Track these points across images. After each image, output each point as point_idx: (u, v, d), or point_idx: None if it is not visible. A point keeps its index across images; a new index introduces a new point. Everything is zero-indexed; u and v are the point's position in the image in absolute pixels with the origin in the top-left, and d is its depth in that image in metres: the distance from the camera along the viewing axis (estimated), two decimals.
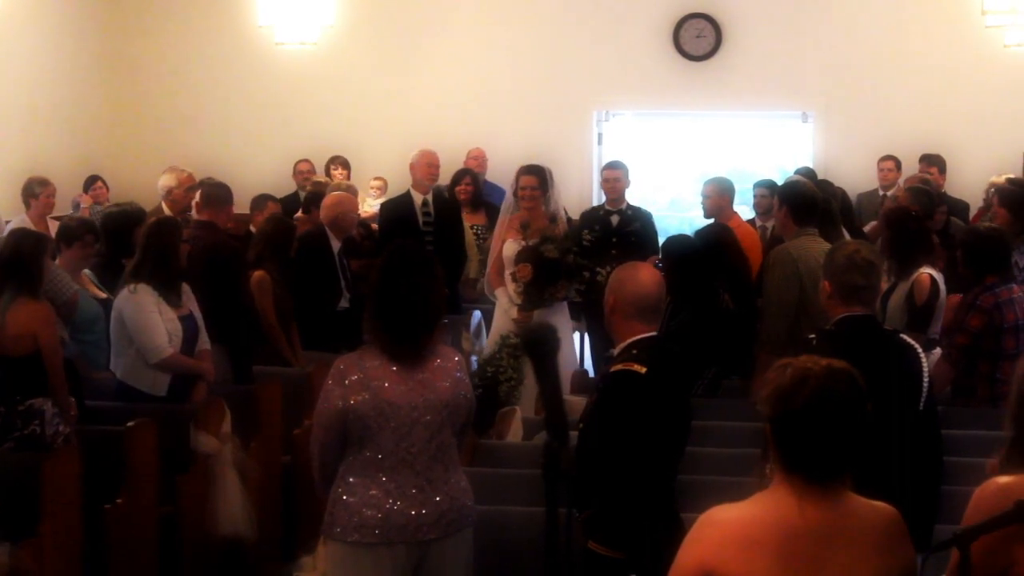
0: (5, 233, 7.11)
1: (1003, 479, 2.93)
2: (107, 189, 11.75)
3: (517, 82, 12.87)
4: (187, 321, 6.58)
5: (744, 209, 9.85)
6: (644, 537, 4.11)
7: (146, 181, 10.77)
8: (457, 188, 10.59)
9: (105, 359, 6.83)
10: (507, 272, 8.05)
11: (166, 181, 8.80)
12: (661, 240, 8.68)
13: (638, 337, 4.32)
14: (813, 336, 4.68)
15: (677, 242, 7.24)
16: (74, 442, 5.84)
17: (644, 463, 4.16)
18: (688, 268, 6.87)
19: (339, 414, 4.20)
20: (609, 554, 4.16)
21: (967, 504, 2.97)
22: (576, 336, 9.54)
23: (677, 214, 13.27)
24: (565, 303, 8.05)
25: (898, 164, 11.68)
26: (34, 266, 6.02)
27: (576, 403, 5.07)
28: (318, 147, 12.66)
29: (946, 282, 6.81)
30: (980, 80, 12.24)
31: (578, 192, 12.32)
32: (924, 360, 4.68)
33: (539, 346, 3.68)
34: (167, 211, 8.48)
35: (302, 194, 11.49)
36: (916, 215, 7.12)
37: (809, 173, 9.62)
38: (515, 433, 6.49)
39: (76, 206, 11.20)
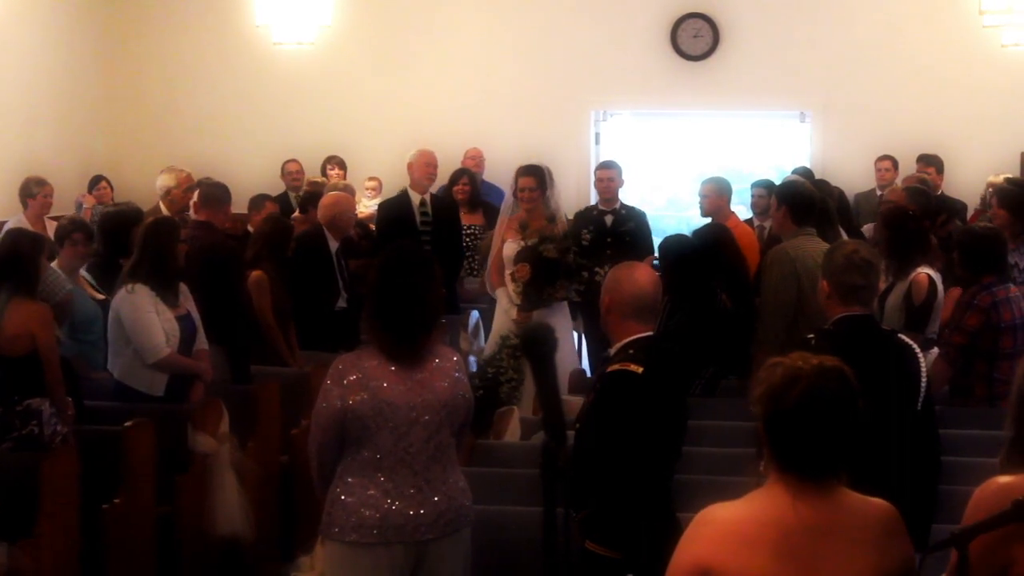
0: (2, 233, 7.09)
1: (1003, 479, 2.94)
2: (111, 189, 11.73)
3: (514, 82, 12.87)
4: (185, 321, 6.58)
5: (741, 209, 9.85)
6: (641, 537, 4.11)
7: (143, 181, 10.78)
8: (455, 188, 10.59)
9: (103, 359, 6.83)
10: (507, 272, 8.04)
11: (164, 181, 8.79)
12: (656, 240, 8.70)
13: (634, 337, 4.32)
14: (812, 336, 4.68)
15: (675, 242, 7.24)
16: (72, 442, 5.83)
17: (641, 463, 4.16)
18: (685, 268, 6.87)
19: (337, 414, 4.20)
20: (606, 554, 4.16)
21: (965, 503, 2.97)
22: (575, 336, 9.53)
23: (675, 214, 13.28)
24: (565, 303, 8.05)
25: (895, 164, 11.68)
26: (31, 266, 6.02)
27: (574, 403, 5.07)
28: (315, 147, 12.66)
29: (944, 284, 6.82)
30: (977, 80, 12.25)
31: (575, 192, 12.31)
32: (922, 360, 4.69)
33: (537, 346, 3.68)
34: (165, 211, 8.48)
35: (292, 194, 11.51)
36: (914, 215, 7.13)
37: (807, 173, 9.63)
38: (513, 433, 6.49)
39: (79, 206, 11.19)
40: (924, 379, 4.64)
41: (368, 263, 6.67)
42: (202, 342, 6.73)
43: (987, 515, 2.81)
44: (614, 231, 8.94)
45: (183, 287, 6.64)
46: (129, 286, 6.40)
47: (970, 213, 10.64)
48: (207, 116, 13.25)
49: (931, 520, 4.50)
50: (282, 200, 10.95)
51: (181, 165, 9.33)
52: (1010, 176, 10.17)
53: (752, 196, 9.59)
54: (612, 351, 4.38)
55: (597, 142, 13.07)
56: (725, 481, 4.92)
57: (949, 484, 4.74)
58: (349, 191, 9.81)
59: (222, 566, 6.36)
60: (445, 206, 9.74)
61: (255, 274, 7.69)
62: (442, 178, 10.50)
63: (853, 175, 11.85)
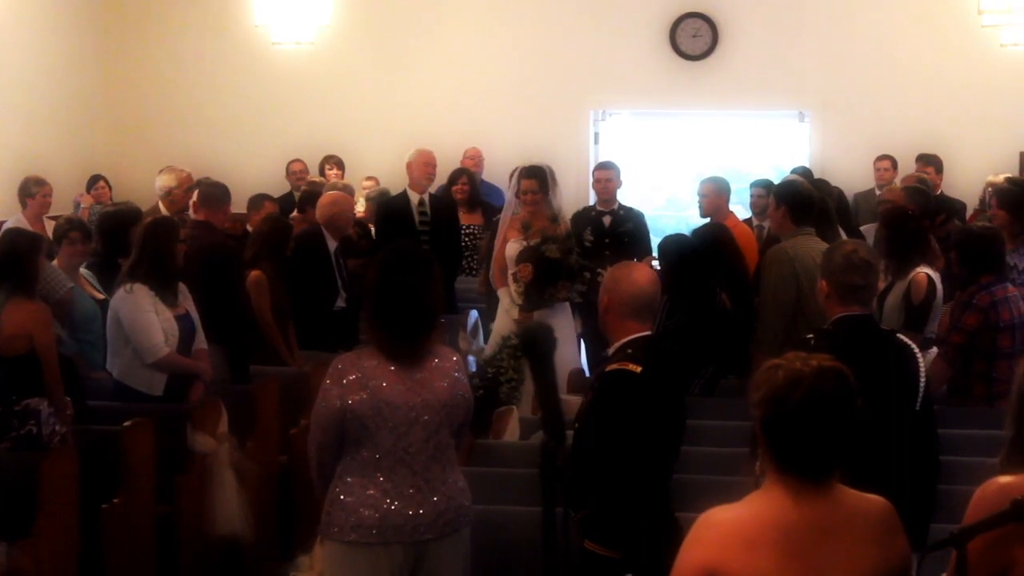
0: (1, 233, 7.09)
1: (1004, 479, 2.94)
2: (110, 189, 11.73)
3: (514, 81, 12.87)
4: (184, 321, 6.57)
5: (740, 209, 9.85)
6: (640, 536, 4.12)
7: (142, 180, 10.79)
8: (454, 188, 10.59)
9: (102, 359, 6.83)
10: (509, 272, 8.04)
11: (165, 181, 8.78)
12: (655, 240, 8.68)
13: (633, 336, 4.32)
14: (811, 336, 4.68)
15: (674, 241, 7.24)
16: (71, 442, 5.83)
17: (640, 462, 4.16)
18: (685, 267, 6.87)
19: (337, 413, 4.20)
20: (606, 553, 4.16)
21: (964, 503, 2.97)
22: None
23: (673, 213, 13.28)
24: (567, 304, 8.03)
25: (894, 164, 11.69)
26: (29, 266, 6.01)
27: (573, 403, 5.07)
28: (313, 146, 12.66)
29: (943, 284, 6.82)
30: (976, 80, 12.25)
31: (574, 191, 12.29)
32: (920, 359, 4.69)
33: (536, 346, 3.68)
34: (164, 211, 8.47)
35: (297, 194, 11.50)
36: (913, 215, 7.13)
37: (806, 172, 9.62)
38: (512, 433, 6.49)
39: (77, 206, 11.19)
40: (923, 379, 4.64)
41: (367, 263, 6.66)
42: (201, 342, 6.72)
43: (987, 515, 2.81)
44: (612, 232, 8.93)
45: (182, 287, 6.64)
46: (128, 286, 6.40)
47: (969, 213, 10.64)
48: (206, 116, 13.25)
49: (930, 519, 4.51)
50: (287, 200, 10.95)
51: (180, 165, 9.33)
52: (1011, 176, 10.17)
53: (751, 196, 9.59)
54: (611, 351, 4.38)
55: (596, 142, 13.07)
56: (724, 481, 4.93)
57: (948, 484, 4.75)
58: (348, 191, 9.81)
59: (221, 566, 6.36)
60: (444, 206, 9.74)
61: (254, 274, 7.69)
62: (441, 178, 10.50)
63: (852, 175, 11.85)
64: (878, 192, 11.31)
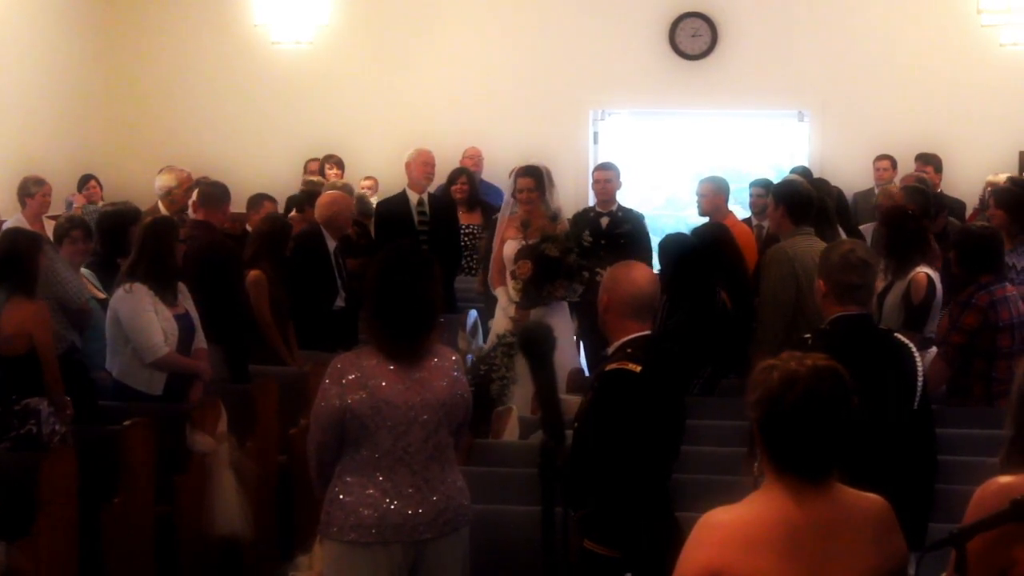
0: (1, 232, 7.09)
1: (1004, 479, 2.94)
2: (101, 188, 11.73)
3: (513, 81, 12.88)
4: (183, 320, 6.57)
5: (739, 209, 9.85)
6: (640, 536, 4.12)
7: (142, 180, 10.78)
8: (453, 187, 10.59)
9: (101, 359, 6.82)
10: (507, 271, 8.01)
11: (165, 181, 8.77)
12: (654, 241, 8.66)
13: (632, 336, 4.32)
14: (808, 336, 4.69)
15: (673, 241, 7.23)
16: (71, 442, 5.83)
17: (639, 462, 4.16)
18: (684, 267, 6.87)
19: (336, 413, 4.20)
20: (605, 553, 4.16)
21: (964, 503, 2.97)
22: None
23: (673, 213, 13.28)
24: (565, 303, 8.03)
25: (894, 163, 11.69)
26: (29, 265, 6.01)
27: (573, 402, 5.07)
28: (313, 146, 12.67)
29: (943, 283, 6.82)
30: (976, 79, 12.26)
31: (573, 191, 12.31)
32: (918, 359, 4.69)
33: (535, 345, 3.68)
34: (164, 211, 8.47)
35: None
36: (913, 214, 7.13)
37: (805, 172, 9.63)
38: (511, 432, 6.49)
39: (69, 205, 11.18)
40: (920, 378, 4.64)
41: (366, 262, 6.66)
42: (201, 341, 6.73)
43: (987, 515, 2.81)
44: (609, 233, 8.91)
45: (182, 286, 6.64)
46: (127, 285, 6.40)
47: (968, 212, 10.64)
48: (205, 115, 13.26)
49: (928, 519, 4.51)
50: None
51: (179, 164, 9.32)
52: (1012, 176, 10.17)
53: (750, 196, 9.59)
54: (610, 350, 4.38)
55: (595, 141, 13.08)
56: (724, 481, 4.93)
57: (948, 483, 4.75)
58: (347, 190, 9.80)
59: (221, 565, 6.36)
60: (443, 205, 9.75)
61: (253, 273, 7.68)
62: (440, 177, 10.50)
63: (851, 174, 11.86)
64: (877, 192, 11.32)
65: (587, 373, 8.01)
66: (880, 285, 6.51)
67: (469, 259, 10.11)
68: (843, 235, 7.36)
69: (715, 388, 6.93)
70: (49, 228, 8.62)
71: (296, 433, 6.71)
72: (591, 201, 9.69)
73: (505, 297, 8.07)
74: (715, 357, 6.88)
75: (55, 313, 6.35)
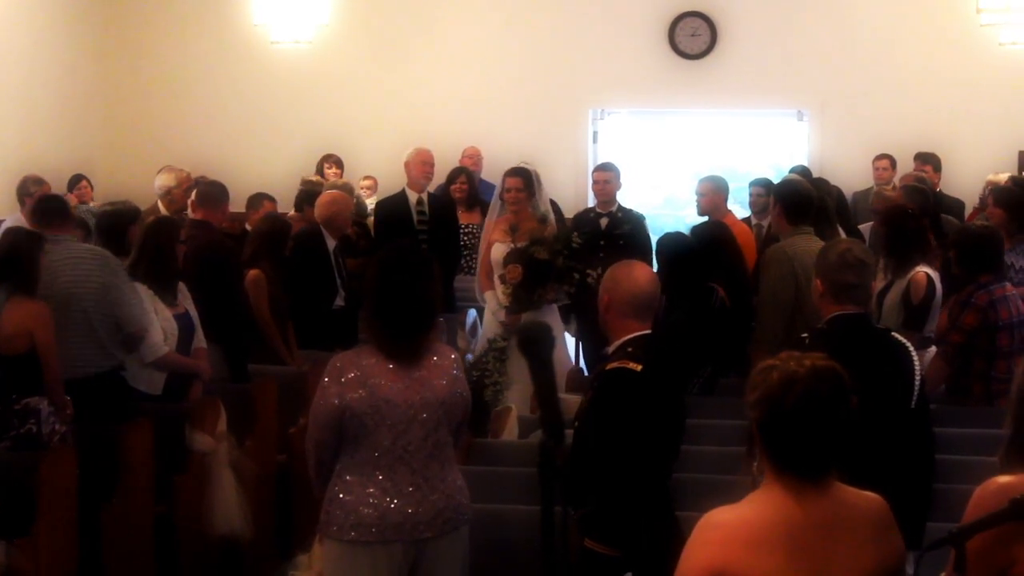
0: (0, 232, 7.08)
1: (1003, 478, 2.94)
2: (91, 188, 11.71)
3: (512, 80, 12.88)
4: (183, 320, 6.58)
5: (738, 208, 9.85)
6: (640, 535, 4.12)
7: (141, 180, 10.78)
8: (452, 187, 10.59)
9: None
10: (496, 275, 7.95)
11: (165, 181, 8.77)
12: (654, 239, 8.64)
13: (633, 335, 4.32)
14: (806, 335, 4.69)
15: (672, 240, 7.24)
16: (70, 441, 5.83)
17: (639, 461, 4.16)
18: (682, 266, 6.87)
19: (335, 411, 4.20)
20: (605, 552, 4.16)
21: (963, 502, 2.98)
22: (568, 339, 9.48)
23: (672, 212, 13.29)
24: (555, 306, 7.95)
25: (893, 163, 11.69)
26: (30, 264, 6.00)
27: (572, 401, 5.08)
28: (312, 145, 12.66)
29: (942, 282, 6.82)
30: (975, 79, 12.26)
31: (573, 190, 12.35)
32: (916, 358, 4.69)
33: (534, 344, 3.68)
34: (163, 210, 8.47)
35: None
36: (914, 213, 7.13)
37: (804, 172, 9.62)
38: (511, 432, 6.49)
39: None
40: (918, 377, 4.64)
41: (366, 262, 6.65)
42: (200, 341, 6.73)
43: (987, 514, 2.82)
44: (608, 234, 8.89)
45: (181, 286, 6.65)
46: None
47: (968, 211, 10.64)
48: (205, 115, 13.25)
49: (925, 518, 4.51)
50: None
51: (178, 164, 9.32)
52: (1013, 175, 10.16)
53: (750, 195, 9.58)
54: (610, 349, 4.38)
55: (595, 141, 13.08)
56: (723, 480, 4.94)
57: (947, 483, 4.75)
58: (347, 190, 9.80)
59: (220, 565, 6.36)
60: (442, 205, 9.75)
61: (253, 273, 7.68)
62: (440, 177, 10.50)
63: (851, 174, 11.86)
64: (873, 192, 11.32)
65: (585, 373, 8.00)
66: (880, 284, 6.52)
67: (468, 258, 10.11)
68: (843, 235, 7.36)
69: (714, 387, 6.93)
70: None
71: (295, 432, 6.71)
72: (591, 201, 9.67)
73: (494, 301, 7.99)
74: (713, 355, 6.88)
75: (110, 331, 6.26)
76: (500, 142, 12.13)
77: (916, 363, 4.66)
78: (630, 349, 4.26)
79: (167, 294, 6.49)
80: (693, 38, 12.74)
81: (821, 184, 8.67)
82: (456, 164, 11.43)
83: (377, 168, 12.24)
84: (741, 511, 2.92)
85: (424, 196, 9.52)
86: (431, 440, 4.27)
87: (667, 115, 13.43)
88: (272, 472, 6.86)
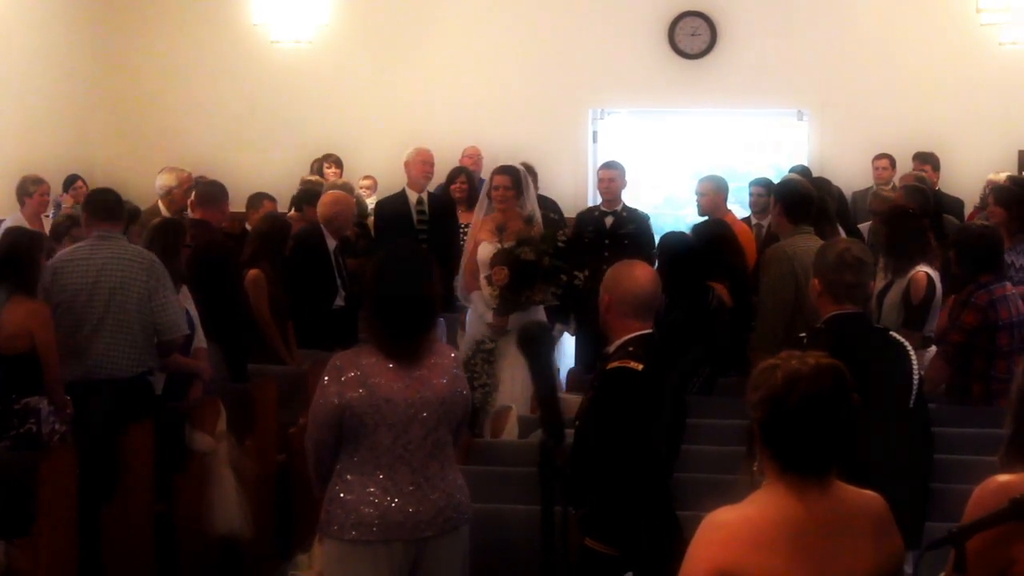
0: (1, 232, 7.08)
1: (1003, 477, 2.94)
2: (87, 188, 11.70)
3: (512, 80, 12.88)
4: None
5: (738, 208, 9.85)
6: (640, 534, 4.12)
7: (141, 179, 10.77)
8: (452, 187, 10.59)
9: None
10: (482, 275, 7.75)
11: (165, 181, 8.77)
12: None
13: (634, 335, 4.33)
14: (804, 335, 4.69)
15: (672, 239, 7.24)
16: (70, 441, 5.83)
17: (640, 460, 4.17)
18: (682, 265, 6.87)
19: (335, 410, 4.20)
20: (605, 551, 4.16)
21: (963, 502, 2.98)
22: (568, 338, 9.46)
23: (672, 212, 13.28)
24: (541, 307, 7.83)
25: (893, 162, 11.69)
26: (30, 264, 6.01)
27: (572, 401, 5.08)
28: (312, 145, 12.66)
29: (941, 281, 6.82)
30: (975, 78, 12.26)
31: (573, 190, 12.35)
32: (914, 358, 4.69)
33: (533, 343, 3.69)
34: (164, 210, 8.48)
35: None
36: (914, 213, 7.13)
37: (804, 171, 9.62)
38: (511, 431, 6.49)
39: (58, 206, 11.15)
40: (917, 376, 4.65)
41: (366, 261, 6.65)
42: (200, 341, 6.73)
43: (986, 513, 2.82)
44: (612, 232, 8.87)
45: (182, 286, 6.64)
46: None
47: (968, 211, 10.64)
48: (204, 114, 13.25)
49: (924, 518, 4.51)
50: None
51: (178, 164, 9.32)
52: (1013, 175, 10.16)
53: (750, 195, 9.58)
54: (611, 348, 4.38)
55: (595, 140, 13.08)
56: (724, 479, 4.93)
57: (947, 482, 4.75)
58: (347, 189, 9.80)
59: (220, 564, 6.36)
60: (442, 205, 9.75)
61: (253, 272, 7.68)
62: (439, 176, 10.50)
63: (851, 174, 11.86)
64: (872, 193, 11.32)
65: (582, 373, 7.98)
66: (880, 284, 6.53)
67: None
68: (843, 234, 7.36)
69: (713, 387, 6.93)
70: (47, 227, 8.62)
71: (295, 432, 6.71)
72: (590, 200, 9.67)
73: (481, 302, 7.81)
74: (711, 354, 6.87)
75: (147, 336, 6.20)
76: (500, 142, 12.12)
77: (914, 363, 4.67)
78: (631, 348, 4.26)
79: None
80: (693, 38, 12.74)
81: (822, 184, 8.66)
82: (456, 164, 11.43)
83: (377, 168, 12.23)
84: (744, 511, 2.91)
85: (424, 196, 9.53)
86: (431, 439, 4.27)
87: (667, 115, 13.42)
88: (272, 472, 6.86)
